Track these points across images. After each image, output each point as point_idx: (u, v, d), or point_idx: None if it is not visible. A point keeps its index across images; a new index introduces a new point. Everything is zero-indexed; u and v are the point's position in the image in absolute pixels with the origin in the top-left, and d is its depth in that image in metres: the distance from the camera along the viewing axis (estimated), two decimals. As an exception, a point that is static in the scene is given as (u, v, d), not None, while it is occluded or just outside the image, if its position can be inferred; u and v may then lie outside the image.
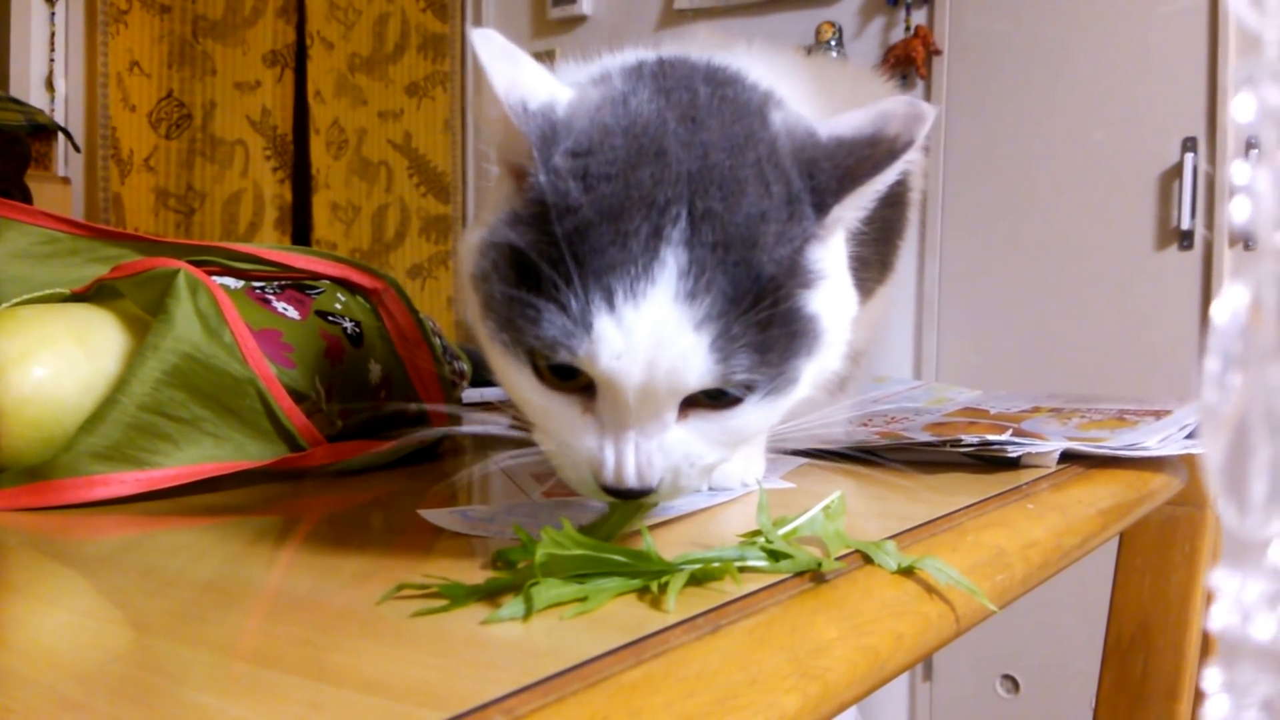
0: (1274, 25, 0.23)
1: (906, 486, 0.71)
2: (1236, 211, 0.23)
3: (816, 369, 0.50)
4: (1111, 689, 0.99)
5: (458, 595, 0.43)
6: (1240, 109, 0.23)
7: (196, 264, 0.76)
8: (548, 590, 0.42)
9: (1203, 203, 1.89)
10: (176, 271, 0.71)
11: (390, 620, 0.42)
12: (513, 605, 0.42)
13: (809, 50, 2.22)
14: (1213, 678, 0.25)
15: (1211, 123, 1.89)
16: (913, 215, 0.90)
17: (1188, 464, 0.85)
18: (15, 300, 0.77)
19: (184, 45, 2.73)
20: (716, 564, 0.46)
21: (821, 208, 0.49)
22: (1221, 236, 1.87)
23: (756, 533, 0.49)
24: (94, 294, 0.77)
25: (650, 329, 0.45)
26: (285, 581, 0.51)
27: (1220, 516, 0.24)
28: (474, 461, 0.87)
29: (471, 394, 1.20)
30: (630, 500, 0.50)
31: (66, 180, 2.53)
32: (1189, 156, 1.89)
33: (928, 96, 2.16)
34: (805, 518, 0.52)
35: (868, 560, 0.50)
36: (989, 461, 0.76)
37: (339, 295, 0.90)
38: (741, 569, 0.47)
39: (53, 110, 2.59)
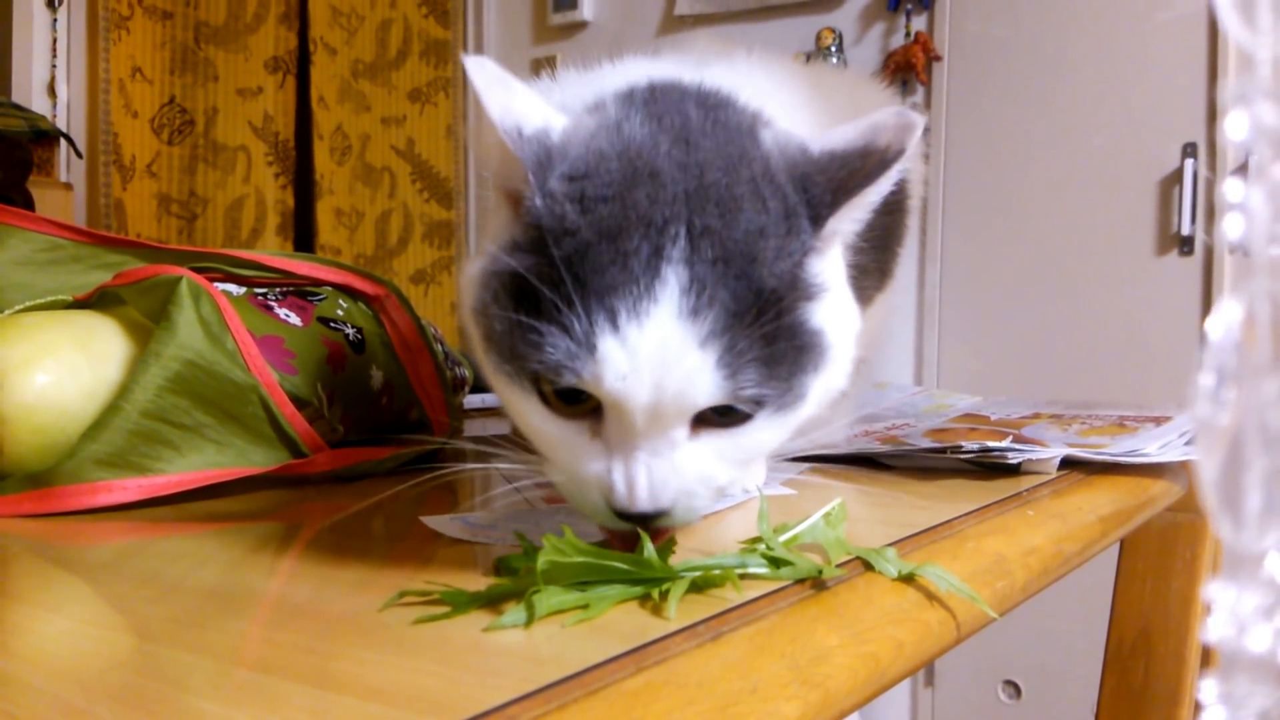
0: (1266, 44, 0.23)
1: (907, 493, 0.71)
2: (1231, 228, 0.23)
3: (823, 385, 0.50)
4: (1113, 695, 0.99)
5: (459, 602, 0.43)
6: (1234, 127, 0.23)
7: (199, 271, 0.76)
8: (549, 597, 0.42)
9: (1203, 208, 1.90)
10: (179, 278, 0.71)
11: (392, 627, 0.42)
12: (514, 612, 0.42)
13: (809, 57, 2.23)
14: (1209, 689, 0.25)
15: (1211, 129, 1.89)
16: (912, 222, 0.90)
17: (1188, 470, 0.85)
18: (18, 307, 0.77)
19: (186, 51, 2.74)
20: (717, 571, 0.46)
21: (817, 220, 0.49)
22: (1222, 242, 1.87)
23: (757, 540, 0.49)
24: (97, 301, 0.77)
25: (655, 347, 0.45)
26: (287, 588, 0.52)
27: (1215, 528, 0.24)
28: (474, 469, 0.87)
29: (473, 400, 1.20)
30: (643, 524, 0.49)
31: (69, 186, 2.53)
32: (1189, 162, 1.90)
33: (928, 102, 2.16)
34: (806, 525, 0.52)
35: (868, 567, 0.50)
36: (989, 468, 0.76)
37: (341, 302, 0.91)
38: (742, 576, 0.47)
39: (55, 116, 2.60)
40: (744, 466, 0.51)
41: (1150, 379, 1.93)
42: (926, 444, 0.79)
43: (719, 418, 0.48)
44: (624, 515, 0.48)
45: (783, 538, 0.50)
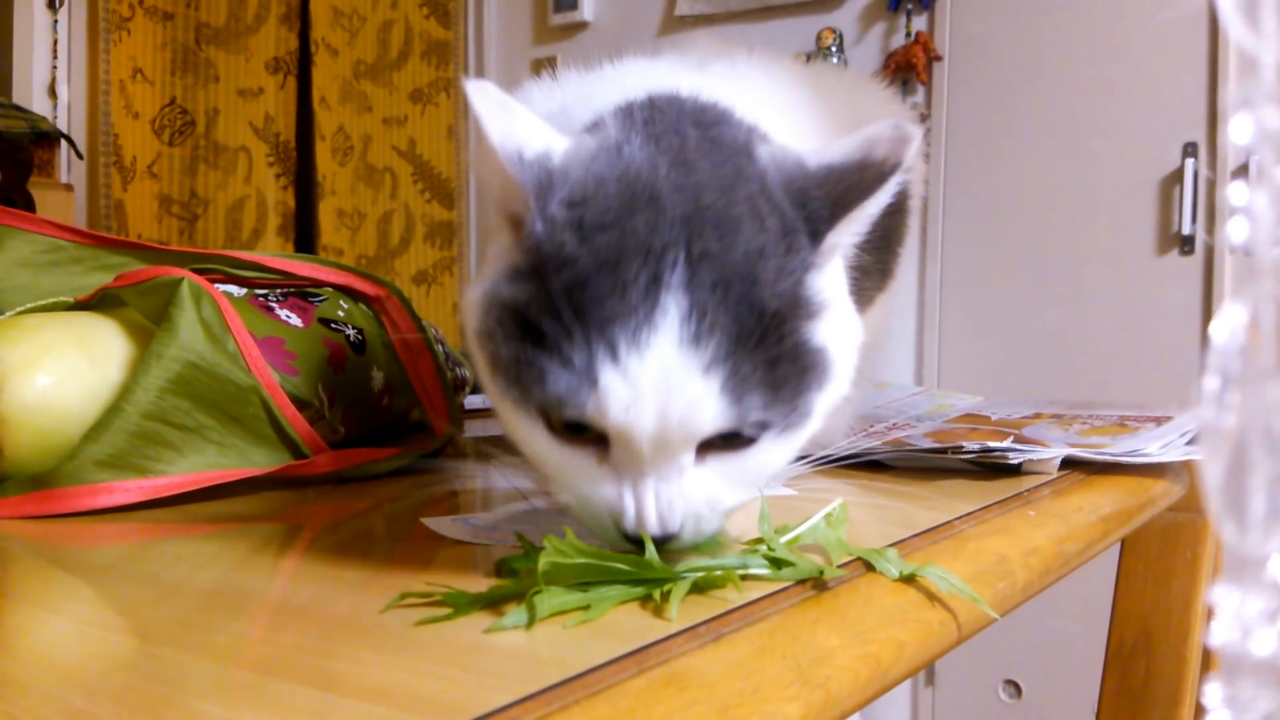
0: (1270, 48, 0.23)
1: (908, 493, 0.71)
2: (1235, 232, 0.23)
3: (827, 400, 0.50)
4: (1113, 695, 0.99)
5: (461, 604, 0.43)
6: (1238, 131, 0.23)
7: (200, 272, 0.76)
8: (551, 599, 0.42)
9: (1203, 208, 1.90)
10: (180, 280, 0.71)
11: (393, 628, 0.42)
12: (516, 614, 0.42)
13: (809, 57, 2.23)
14: (1214, 693, 0.25)
15: (1212, 128, 1.89)
16: (912, 223, 0.90)
17: (1189, 470, 0.85)
18: (19, 309, 0.77)
19: (187, 52, 2.74)
20: (719, 572, 0.46)
21: (816, 236, 0.49)
22: (1222, 242, 1.87)
23: (759, 540, 0.49)
24: (98, 302, 0.77)
25: (658, 377, 0.44)
26: (288, 589, 0.52)
27: (1219, 533, 0.24)
28: (476, 469, 0.87)
29: (474, 400, 1.20)
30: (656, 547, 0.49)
31: (69, 187, 2.53)
32: (1189, 162, 1.90)
33: (928, 102, 2.16)
34: (807, 525, 0.52)
35: (869, 568, 0.50)
36: (990, 468, 0.76)
37: (341, 303, 0.91)
38: (744, 577, 0.47)
39: (55, 117, 2.60)
40: (753, 488, 0.51)
41: (1151, 378, 1.93)
42: (927, 444, 0.80)
43: (724, 441, 0.48)
44: (633, 540, 0.48)
45: (784, 539, 0.50)
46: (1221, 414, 0.24)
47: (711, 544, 0.51)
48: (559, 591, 0.43)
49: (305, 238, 2.93)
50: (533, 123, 0.49)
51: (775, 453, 0.49)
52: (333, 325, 0.87)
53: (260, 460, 0.73)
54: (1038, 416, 0.97)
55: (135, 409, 0.67)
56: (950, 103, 2.15)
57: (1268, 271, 0.23)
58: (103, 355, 0.71)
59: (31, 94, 2.59)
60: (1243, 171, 0.25)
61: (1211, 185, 1.89)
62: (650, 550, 0.46)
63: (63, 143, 2.45)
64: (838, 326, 0.49)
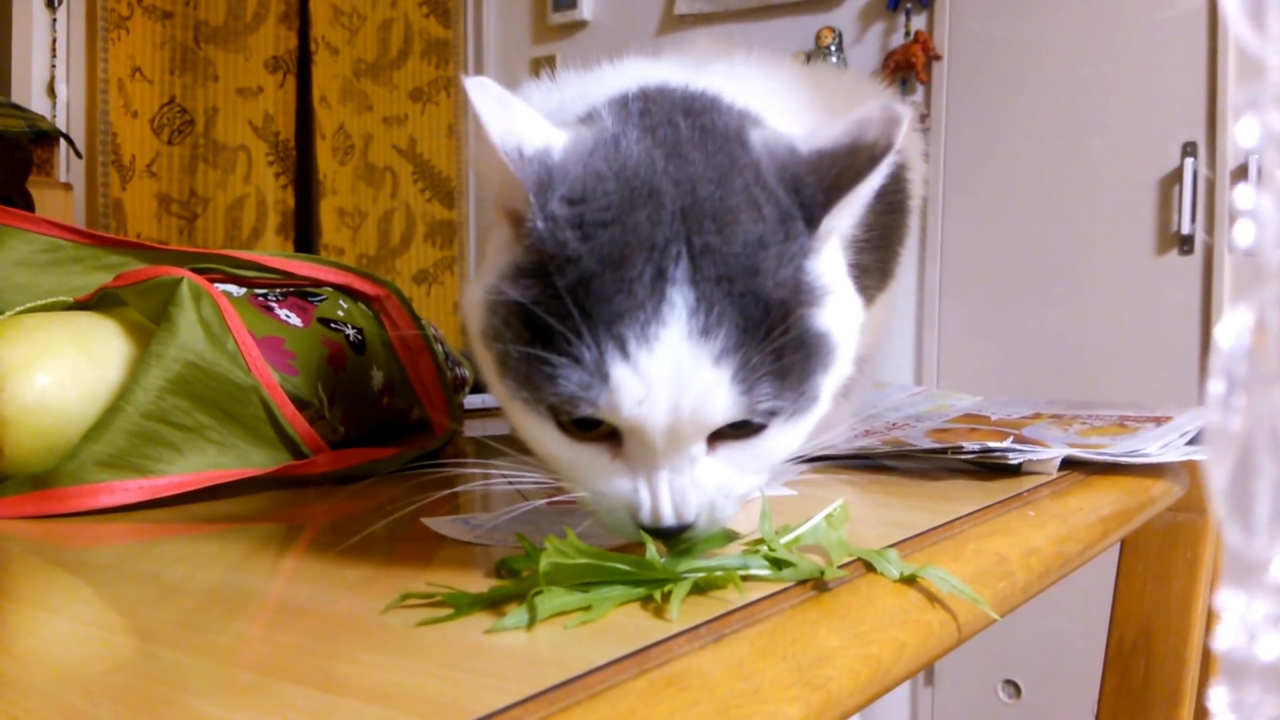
0: (1276, 50, 0.23)
1: (908, 493, 0.71)
2: (1241, 235, 0.23)
3: (833, 382, 0.51)
4: (1113, 695, 0.99)
5: (462, 604, 0.43)
6: (1244, 133, 0.23)
7: (199, 272, 0.76)
8: (551, 599, 0.42)
9: (1203, 208, 1.90)
10: (180, 279, 0.71)
11: (394, 629, 0.42)
12: (517, 614, 0.42)
13: (809, 56, 2.23)
14: (1219, 697, 0.25)
15: (1211, 128, 1.89)
16: (912, 222, 0.90)
17: (1189, 470, 0.85)
18: (18, 309, 0.77)
19: (185, 51, 2.74)
20: (719, 573, 0.46)
21: (812, 221, 0.49)
22: (1222, 241, 1.87)
23: (760, 541, 0.49)
24: (97, 302, 0.77)
25: (668, 370, 0.45)
26: (289, 589, 0.52)
27: (1225, 537, 0.24)
28: (475, 469, 0.87)
29: (473, 400, 1.20)
30: (669, 539, 0.49)
31: (68, 186, 2.53)
32: (1189, 161, 1.90)
33: (927, 101, 2.16)
34: (808, 526, 0.52)
35: (870, 568, 0.50)
36: (990, 468, 0.76)
37: (341, 302, 0.91)
38: (744, 578, 0.47)
39: (54, 116, 2.60)
40: (765, 474, 0.52)
41: (1150, 378, 1.93)
42: (927, 444, 0.80)
43: (734, 430, 0.48)
44: (650, 532, 0.48)
45: (785, 539, 0.50)
46: (1227, 417, 0.24)
47: (719, 538, 0.51)
48: (560, 592, 0.43)
49: (305, 237, 2.93)
50: (532, 118, 0.49)
51: (785, 438, 0.50)
52: (332, 325, 0.87)
53: (260, 460, 0.73)
54: (1037, 416, 0.97)
55: (135, 409, 0.67)
56: (949, 102, 2.15)
57: (1273, 274, 0.23)
58: (102, 355, 0.71)
59: (30, 93, 2.59)
60: (1242, 172, 0.24)
61: (1211, 185, 1.89)
62: (651, 549, 0.46)
63: (61, 142, 2.45)
64: (839, 309, 0.50)
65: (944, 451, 0.77)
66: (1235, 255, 1.86)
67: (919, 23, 2.20)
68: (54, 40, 2.63)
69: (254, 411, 0.73)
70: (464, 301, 0.53)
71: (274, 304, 0.84)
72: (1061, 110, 2.03)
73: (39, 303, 0.78)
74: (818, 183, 0.49)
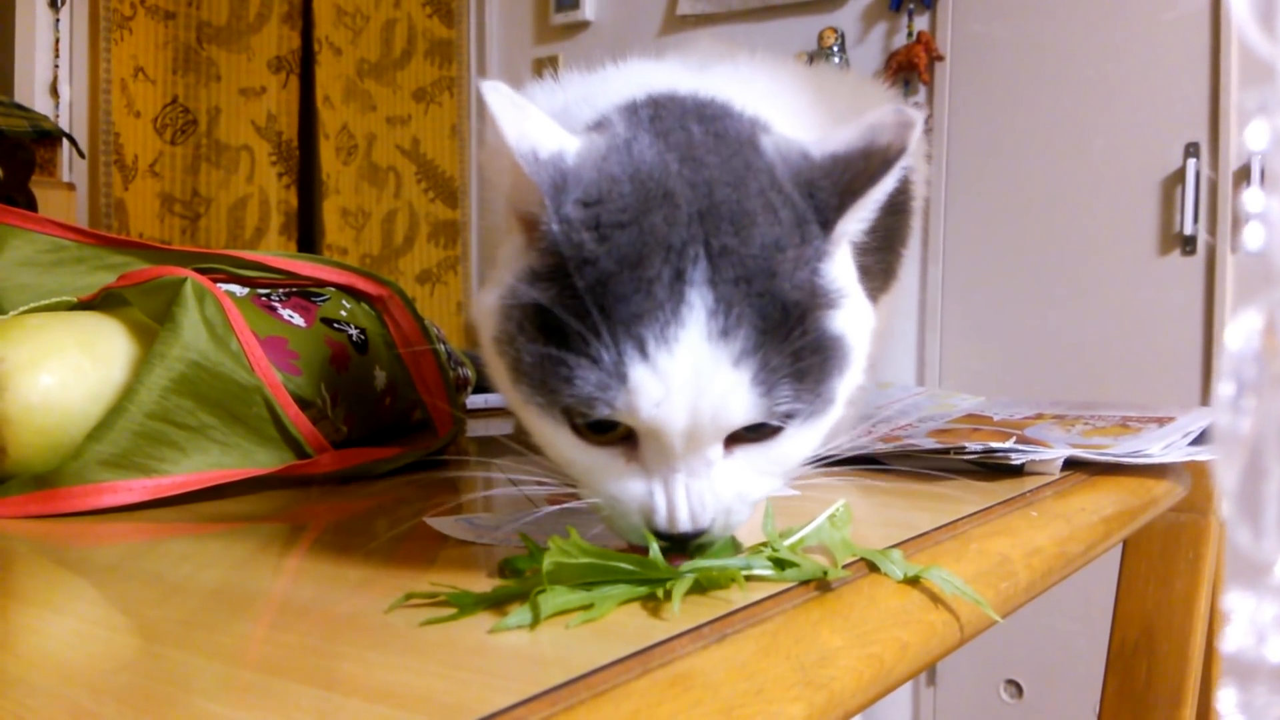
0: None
1: (910, 494, 0.71)
2: (1251, 238, 0.23)
3: (847, 386, 0.50)
4: (1115, 695, 0.99)
5: (465, 604, 0.43)
6: (1254, 137, 0.23)
7: (203, 272, 0.76)
8: (554, 599, 0.42)
9: (1205, 208, 1.89)
10: (183, 280, 0.72)
11: (397, 628, 0.42)
12: (520, 614, 0.42)
13: (811, 57, 2.23)
14: (1228, 699, 0.25)
15: (1214, 128, 1.89)
16: (915, 223, 0.90)
17: (1191, 471, 0.85)
18: (22, 309, 0.77)
19: (188, 51, 2.74)
20: (722, 572, 0.46)
21: (826, 225, 0.49)
22: (1224, 242, 1.87)
23: (763, 542, 0.50)
24: (101, 302, 0.77)
25: (688, 372, 0.45)
26: (292, 589, 0.52)
27: (1233, 537, 0.24)
28: (478, 469, 0.87)
29: (476, 400, 1.20)
30: (685, 544, 0.49)
31: (71, 186, 2.53)
32: (1191, 162, 1.89)
33: (930, 102, 2.16)
34: (811, 526, 0.52)
35: (872, 568, 0.50)
36: (993, 469, 0.77)
37: (344, 302, 0.91)
38: (747, 577, 0.47)
39: (57, 116, 2.60)
40: (781, 477, 0.51)
41: (1153, 379, 1.93)
42: (930, 445, 0.80)
43: (750, 433, 0.48)
44: (664, 537, 0.48)
45: (788, 541, 0.50)
46: (1237, 419, 0.24)
47: (727, 548, 0.50)
48: (562, 591, 0.43)
49: (308, 237, 2.93)
50: (546, 123, 0.49)
51: (801, 441, 0.50)
52: (335, 325, 0.87)
53: (263, 460, 0.73)
54: (1040, 417, 0.97)
55: (139, 408, 0.67)
56: (952, 103, 2.15)
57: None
58: (106, 355, 0.71)
59: (33, 93, 2.59)
60: (1245, 173, 0.25)
61: (1213, 186, 1.89)
62: (654, 549, 0.46)
63: (64, 142, 2.46)
64: (853, 313, 0.50)
65: (946, 452, 0.77)
66: (1238, 256, 1.86)
67: (921, 23, 2.19)
68: (57, 40, 2.64)
69: (257, 411, 0.73)
70: (475, 309, 0.53)
71: (277, 304, 0.84)
72: (1064, 111, 2.03)
73: (43, 303, 0.78)
74: (832, 186, 0.49)
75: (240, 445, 0.72)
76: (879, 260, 0.75)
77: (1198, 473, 0.86)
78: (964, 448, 0.76)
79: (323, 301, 0.88)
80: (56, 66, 2.64)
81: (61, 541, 0.61)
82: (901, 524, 0.60)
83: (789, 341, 0.46)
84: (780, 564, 0.48)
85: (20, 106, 2.30)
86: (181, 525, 0.65)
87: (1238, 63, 1.85)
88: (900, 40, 2.22)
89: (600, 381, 0.45)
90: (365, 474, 0.79)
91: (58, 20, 2.64)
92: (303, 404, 0.77)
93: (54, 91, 2.64)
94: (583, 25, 2.73)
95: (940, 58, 2.16)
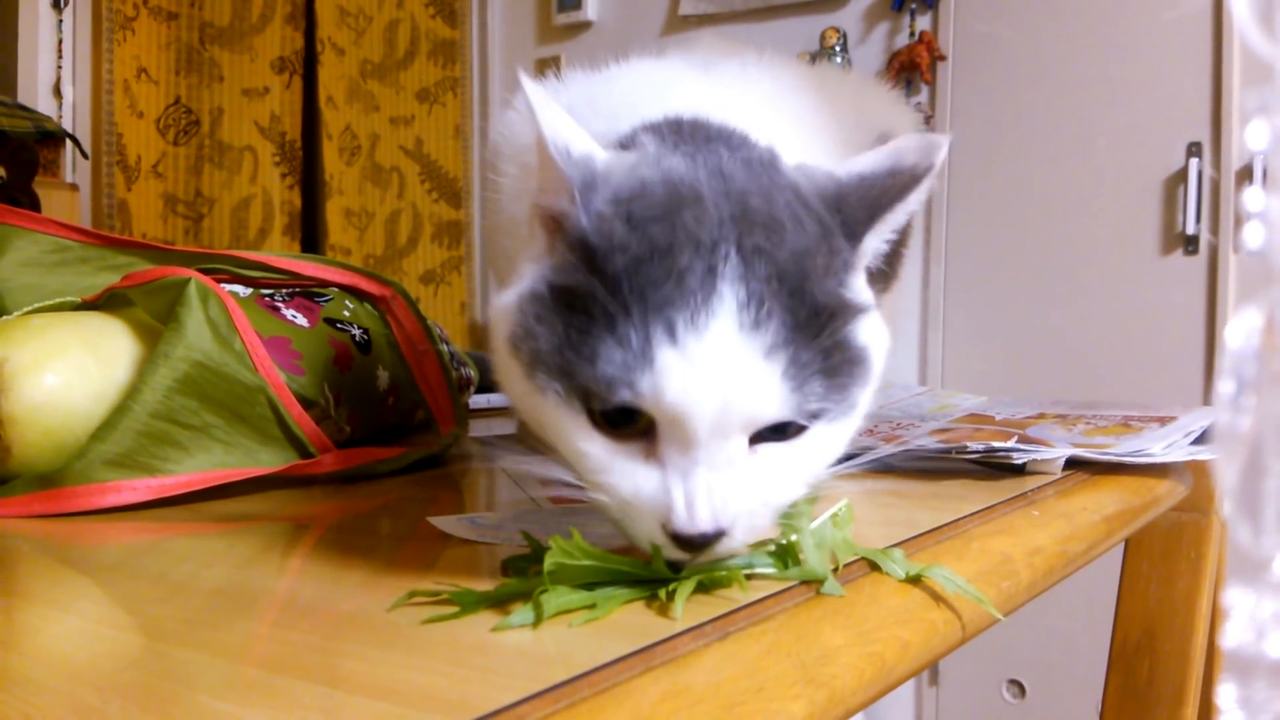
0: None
1: (912, 493, 0.71)
2: (1251, 237, 0.24)
3: (867, 399, 0.50)
4: (1117, 694, 0.99)
5: (468, 602, 0.43)
6: (1254, 137, 0.23)
7: (206, 272, 0.77)
8: (557, 597, 0.43)
9: (1207, 208, 1.89)
10: (187, 280, 0.72)
11: (400, 627, 0.42)
12: (522, 612, 0.42)
13: (813, 57, 2.23)
14: (1227, 694, 0.25)
15: (1216, 128, 1.89)
16: (916, 223, 0.90)
17: (1193, 470, 0.85)
18: (26, 309, 0.77)
19: (191, 52, 2.75)
20: (724, 571, 0.46)
21: (854, 238, 0.49)
22: (1227, 242, 1.87)
23: (765, 541, 0.50)
24: (105, 302, 0.77)
25: (717, 359, 0.44)
26: (295, 587, 0.52)
27: (1232, 534, 0.24)
28: (480, 468, 0.88)
29: (479, 400, 1.21)
30: (700, 550, 0.46)
31: (74, 187, 2.54)
32: (1193, 162, 1.89)
33: (932, 102, 2.16)
34: (814, 526, 0.52)
35: (874, 567, 0.50)
36: (994, 468, 0.77)
37: (347, 303, 0.91)
38: (749, 576, 0.47)
39: (60, 117, 2.61)
40: (805, 483, 0.49)
41: (1155, 378, 1.93)
42: (932, 444, 0.80)
43: (775, 432, 0.47)
44: (682, 539, 0.45)
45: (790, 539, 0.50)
46: (1237, 417, 0.24)
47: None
48: (565, 590, 0.43)
49: (312, 237, 2.93)
50: (579, 129, 0.49)
51: (826, 444, 0.49)
52: (338, 325, 0.87)
53: (267, 459, 0.74)
54: (1042, 417, 0.97)
55: (143, 408, 0.67)
56: (954, 103, 2.15)
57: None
58: (110, 355, 0.72)
59: (37, 93, 2.60)
60: (1247, 172, 0.25)
61: (1216, 185, 1.89)
62: (659, 558, 0.46)
63: (68, 142, 2.46)
64: (874, 329, 0.50)
65: (948, 451, 0.77)
66: (1240, 256, 1.86)
67: (924, 23, 2.19)
68: (60, 41, 2.64)
69: (261, 411, 0.73)
70: (491, 310, 0.52)
71: (280, 304, 0.84)
72: (1066, 111, 2.03)
73: (47, 303, 0.78)
74: (859, 201, 0.49)
75: (244, 445, 0.73)
76: (880, 261, 0.75)
77: (1199, 472, 0.86)
78: (966, 447, 0.76)
79: (326, 302, 0.88)
80: (59, 67, 2.65)
81: (66, 541, 0.61)
82: (903, 523, 0.60)
83: (819, 340, 0.46)
84: (783, 562, 0.48)
85: (24, 107, 2.31)
86: (185, 525, 0.65)
87: (1240, 62, 1.85)
88: (902, 40, 2.22)
89: (625, 362, 0.44)
90: (368, 474, 0.79)
91: (61, 21, 2.64)
92: (306, 404, 0.77)
93: (57, 92, 2.64)
94: (585, 25, 2.73)
95: (942, 57, 2.16)
